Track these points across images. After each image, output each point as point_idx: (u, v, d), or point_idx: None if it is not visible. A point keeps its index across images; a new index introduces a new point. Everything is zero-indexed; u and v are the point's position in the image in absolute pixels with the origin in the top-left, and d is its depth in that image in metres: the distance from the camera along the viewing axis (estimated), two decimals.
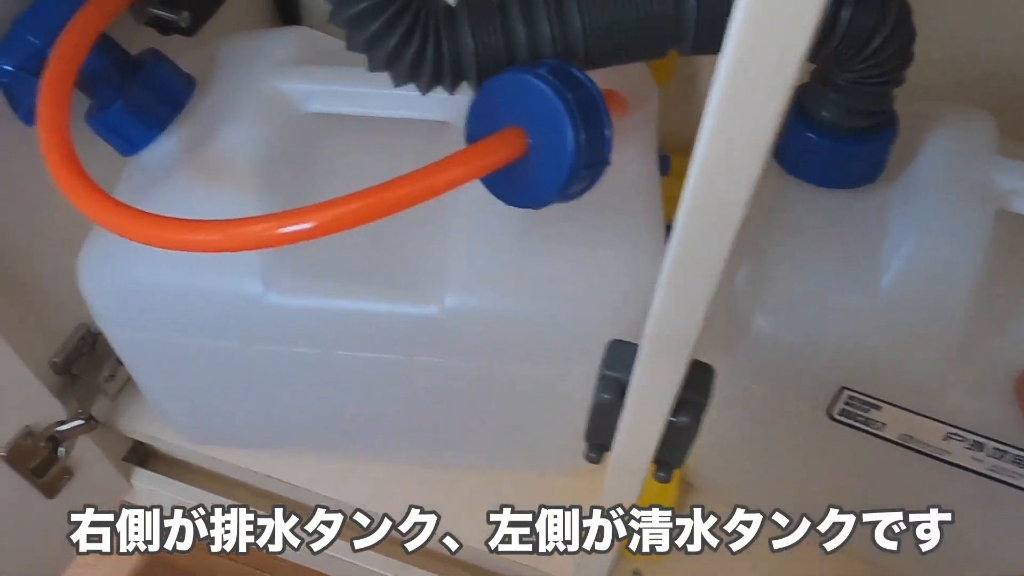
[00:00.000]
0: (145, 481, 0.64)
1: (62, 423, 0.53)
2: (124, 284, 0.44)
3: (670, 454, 0.32)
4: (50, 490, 0.55)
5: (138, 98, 0.45)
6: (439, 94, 0.39)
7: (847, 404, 0.43)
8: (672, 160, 0.50)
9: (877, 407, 0.42)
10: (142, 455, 0.68)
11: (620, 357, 0.30)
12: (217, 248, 0.35)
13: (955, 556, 0.48)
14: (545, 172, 0.35)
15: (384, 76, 0.38)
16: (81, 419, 0.54)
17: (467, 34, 0.36)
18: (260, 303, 0.43)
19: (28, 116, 0.44)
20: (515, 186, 0.36)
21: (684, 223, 0.22)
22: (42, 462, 0.53)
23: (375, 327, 0.44)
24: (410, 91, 0.39)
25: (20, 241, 0.51)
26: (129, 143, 0.46)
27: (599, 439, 0.33)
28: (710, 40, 0.37)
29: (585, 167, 0.34)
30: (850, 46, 0.38)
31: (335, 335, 0.45)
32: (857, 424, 0.43)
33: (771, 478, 0.52)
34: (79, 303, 0.57)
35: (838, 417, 0.44)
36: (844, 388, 0.42)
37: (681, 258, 0.23)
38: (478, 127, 0.36)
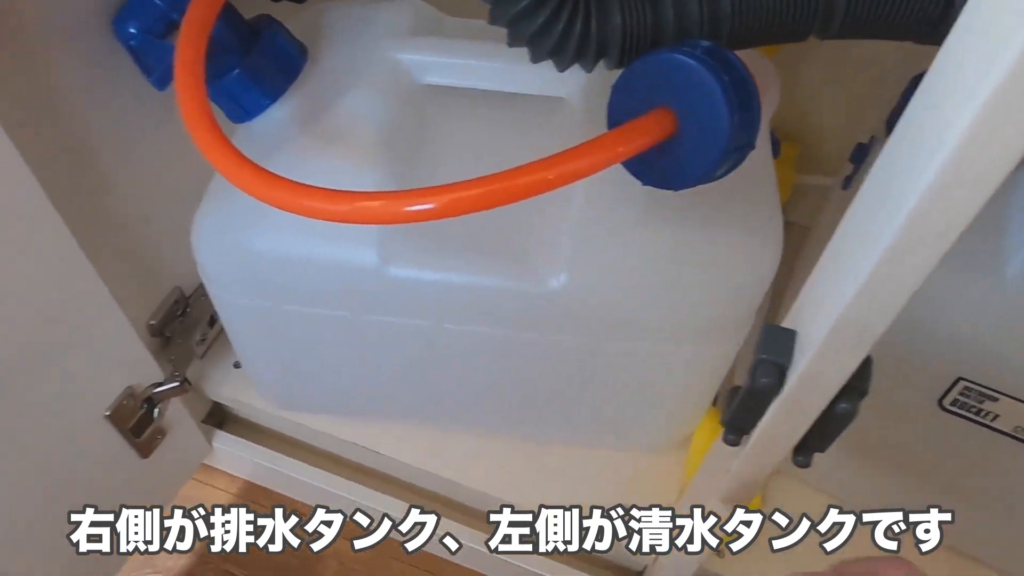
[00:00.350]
0: (225, 443, 0.65)
1: (159, 385, 0.54)
2: (242, 251, 0.44)
3: (818, 439, 0.32)
4: (145, 450, 0.56)
5: (255, 66, 0.45)
6: (554, 71, 0.38)
7: (962, 395, 0.43)
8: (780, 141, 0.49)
9: (994, 398, 0.42)
10: (218, 418, 0.69)
11: (778, 343, 0.30)
12: (340, 218, 0.35)
13: None
14: (694, 154, 0.34)
15: (501, 50, 0.38)
16: (177, 381, 0.55)
17: (616, 11, 0.36)
18: (375, 274, 0.44)
19: (160, 81, 0.44)
20: (657, 167, 0.36)
21: (907, 226, 0.22)
22: (139, 422, 0.54)
23: (486, 302, 0.44)
24: (528, 66, 0.38)
25: (131, 207, 0.52)
26: (244, 110, 0.46)
27: (743, 424, 0.33)
28: (858, 25, 0.37)
29: (735, 151, 0.34)
30: None
31: (445, 308, 0.45)
32: (970, 415, 0.43)
33: (870, 468, 0.52)
34: (174, 266, 0.58)
35: (950, 407, 0.44)
36: (961, 378, 0.42)
37: (892, 259, 0.23)
38: (623, 106, 0.36)
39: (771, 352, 0.30)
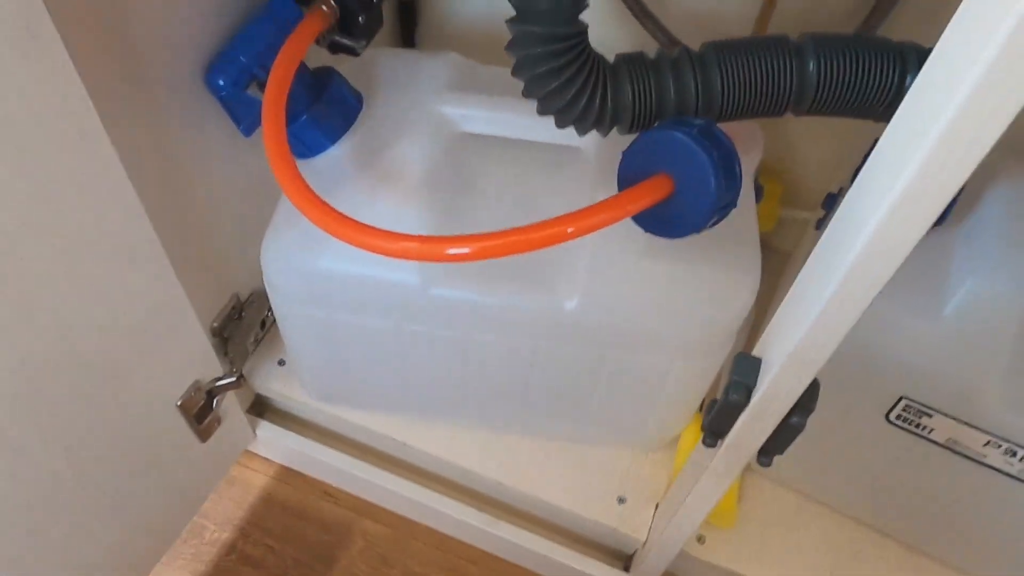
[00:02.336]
0: (266, 431, 0.73)
1: (219, 379, 0.62)
2: (305, 270, 0.53)
3: (776, 445, 0.41)
4: (204, 435, 0.64)
5: (320, 113, 0.53)
6: None
7: (904, 411, 0.51)
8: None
9: (929, 415, 0.50)
10: (259, 409, 0.77)
11: (746, 367, 0.39)
12: (392, 255, 0.42)
13: (985, 550, 0.57)
14: (688, 211, 0.43)
15: (528, 105, 0.46)
16: (234, 376, 0.63)
17: (627, 89, 0.44)
18: (417, 293, 0.52)
19: (247, 130, 0.52)
20: (657, 219, 0.44)
21: (843, 282, 0.30)
22: (201, 411, 0.62)
23: (510, 318, 0.53)
24: (550, 121, 0.46)
25: (206, 227, 0.60)
26: (307, 148, 0.54)
27: (719, 429, 0.42)
28: (825, 106, 0.45)
29: (720, 210, 0.43)
30: None
31: (475, 322, 0.54)
32: (910, 428, 0.52)
33: (829, 469, 0.61)
34: (233, 276, 0.66)
35: (894, 421, 0.52)
36: (903, 396, 0.51)
37: (834, 308, 0.31)
38: (631, 169, 0.44)
39: (741, 375, 0.39)
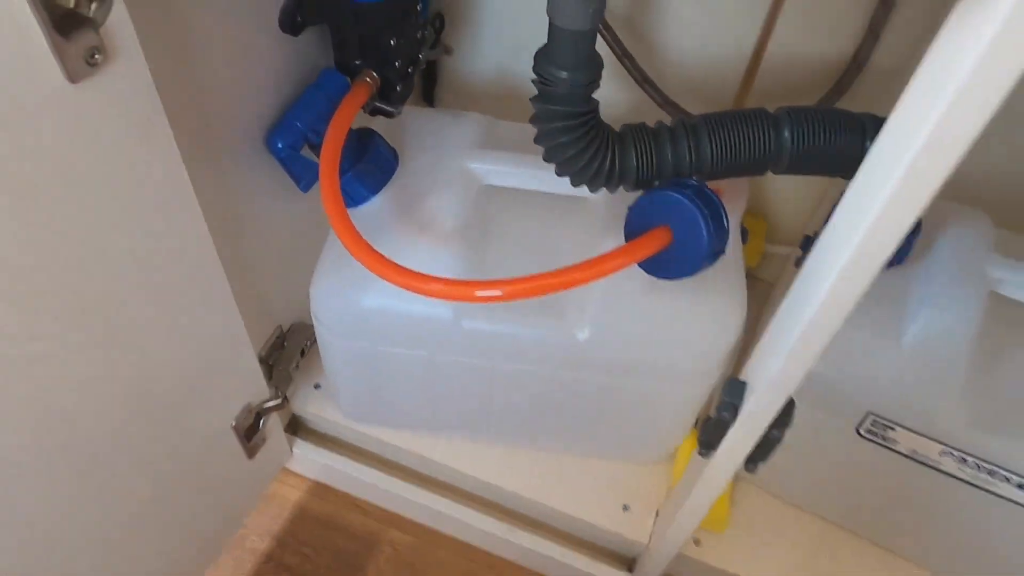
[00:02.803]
0: (302, 449, 0.81)
1: (266, 401, 0.70)
2: (350, 306, 0.60)
3: (759, 454, 0.48)
4: (252, 453, 0.71)
5: (363, 170, 0.61)
6: None
7: (872, 425, 0.59)
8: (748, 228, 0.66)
9: (893, 429, 0.58)
10: (294, 428, 0.84)
11: (735, 389, 0.47)
12: (431, 295, 0.51)
13: (944, 546, 0.64)
14: (683, 258, 0.51)
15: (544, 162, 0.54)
16: (279, 399, 0.70)
17: (632, 155, 0.52)
18: (449, 326, 0.60)
19: (306, 184, 0.60)
20: (659, 265, 0.53)
21: (811, 323, 0.38)
22: (249, 430, 0.70)
23: (530, 348, 0.61)
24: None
25: (258, 266, 0.68)
26: (352, 200, 0.62)
27: (711, 442, 0.49)
28: (801, 166, 0.53)
29: (711, 256, 0.51)
30: None
31: (500, 351, 0.62)
32: (877, 440, 0.60)
33: (809, 478, 0.69)
34: (278, 309, 0.74)
35: (863, 434, 0.60)
36: (870, 413, 0.59)
37: (801, 345, 0.39)
38: (637, 221, 0.52)
39: (730, 396, 0.47)
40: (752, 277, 0.61)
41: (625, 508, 0.73)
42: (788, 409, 0.45)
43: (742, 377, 0.48)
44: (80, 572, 0.53)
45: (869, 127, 0.52)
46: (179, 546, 0.65)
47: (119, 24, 0.39)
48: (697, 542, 0.71)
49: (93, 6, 0.37)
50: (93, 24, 0.37)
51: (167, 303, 0.51)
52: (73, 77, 0.37)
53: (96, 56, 0.38)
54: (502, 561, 0.80)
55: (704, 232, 0.50)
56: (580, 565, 0.74)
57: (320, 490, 0.84)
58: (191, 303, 0.54)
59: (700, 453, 0.51)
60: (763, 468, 0.67)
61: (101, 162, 0.41)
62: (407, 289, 0.51)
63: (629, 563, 0.76)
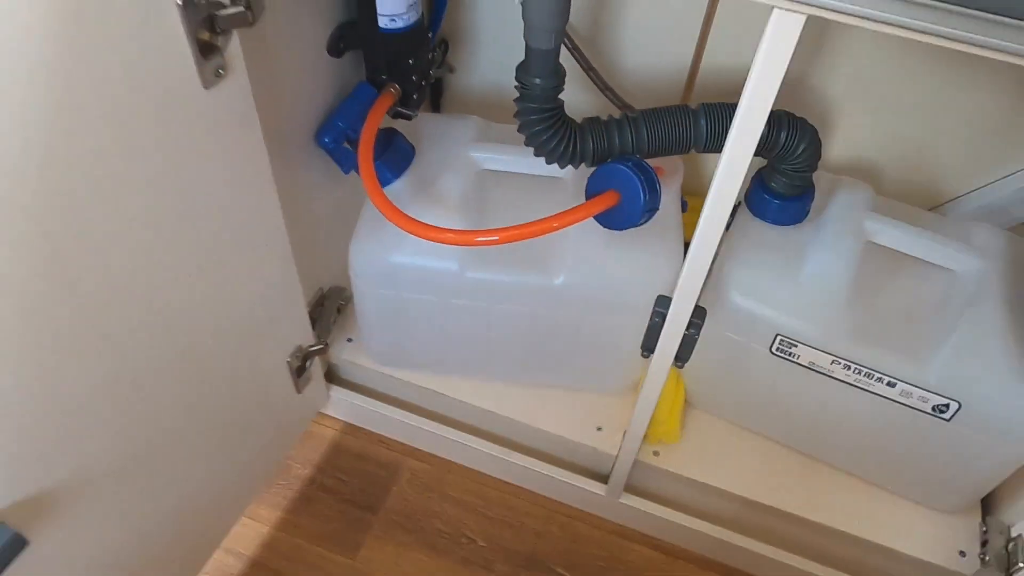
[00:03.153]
0: (337, 394, 0.99)
1: (313, 345, 0.88)
2: (382, 261, 0.79)
3: (683, 352, 0.67)
4: (300, 388, 0.89)
5: (389, 159, 0.80)
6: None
7: (780, 344, 0.77)
8: (688, 201, 0.85)
9: (796, 346, 0.77)
10: (331, 378, 1.03)
11: (662, 302, 0.65)
12: (445, 242, 0.70)
13: (844, 445, 0.82)
14: (628, 213, 0.70)
15: (528, 151, 0.73)
16: (323, 344, 0.89)
17: (589, 140, 0.71)
18: (456, 275, 0.79)
19: (347, 168, 0.79)
20: (610, 219, 0.71)
21: (697, 242, 0.57)
22: (299, 368, 0.88)
23: (520, 291, 0.79)
24: (542, 161, 0.74)
25: (308, 237, 0.87)
26: (381, 182, 0.81)
27: (650, 345, 0.68)
28: (711, 147, 0.72)
29: (648, 212, 0.70)
30: (787, 153, 0.73)
31: (496, 295, 0.80)
32: (785, 356, 0.78)
33: (739, 398, 0.87)
34: (320, 273, 0.93)
35: (775, 352, 0.78)
36: (778, 334, 0.77)
37: (694, 257, 0.58)
38: (594, 187, 0.71)
39: (660, 307, 0.65)
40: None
41: (599, 429, 0.91)
42: (699, 312, 0.64)
43: (668, 294, 0.66)
44: (174, 472, 0.71)
45: (783, 120, 0.72)
46: (244, 455, 0.83)
47: (235, 51, 0.58)
48: (656, 453, 0.89)
49: (221, 39, 0.56)
50: (220, 51, 0.57)
51: (250, 255, 0.70)
52: (206, 85, 0.57)
53: (220, 71, 0.57)
54: (500, 482, 0.98)
55: (641, 193, 0.69)
56: (565, 479, 0.92)
57: (351, 429, 1.03)
58: (265, 256, 0.73)
59: (643, 355, 0.69)
60: (707, 394, 0.86)
61: (219, 143, 0.60)
62: (426, 238, 0.70)
63: (604, 478, 0.94)
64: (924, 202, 0.92)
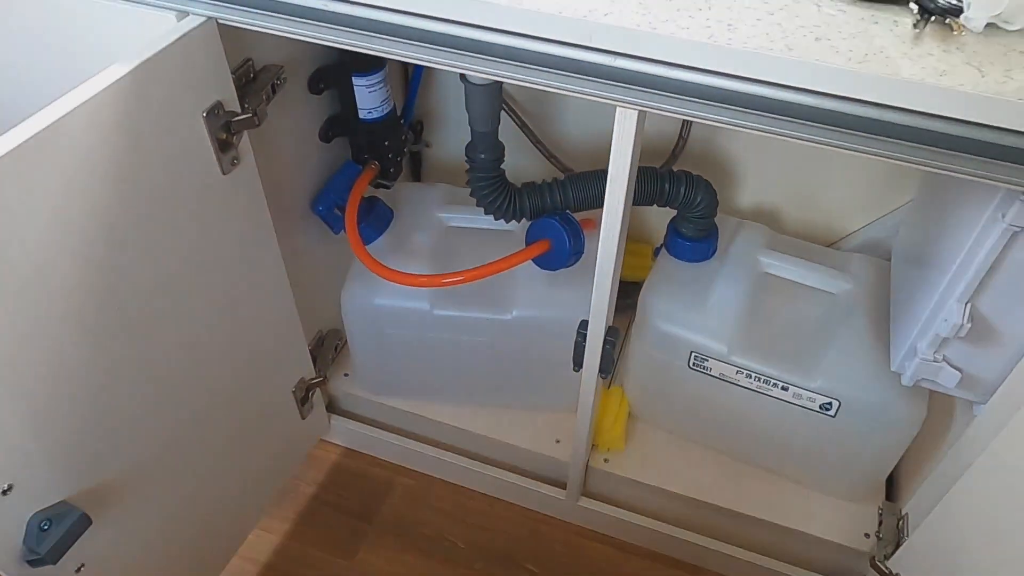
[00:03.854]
0: (337, 422, 1.15)
1: (314, 378, 1.05)
2: (368, 305, 0.97)
3: (605, 365, 0.84)
4: (303, 415, 1.06)
5: (371, 223, 0.99)
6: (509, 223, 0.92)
7: (695, 360, 0.94)
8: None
9: (707, 360, 0.93)
10: (331, 408, 1.19)
11: (583, 325, 0.82)
12: (417, 285, 0.88)
13: (756, 445, 0.98)
14: (558, 257, 0.88)
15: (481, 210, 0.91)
16: (322, 377, 1.06)
17: (526, 200, 0.90)
18: (427, 313, 0.96)
19: (338, 230, 0.98)
20: (545, 262, 0.89)
21: (599, 271, 0.74)
22: (303, 398, 1.05)
23: (479, 325, 0.97)
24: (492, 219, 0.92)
25: (307, 285, 1.05)
26: (365, 240, 0.99)
27: (578, 360, 0.85)
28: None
29: (574, 255, 0.87)
30: (688, 203, 0.91)
31: (458, 328, 0.97)
32: (700, 370, 0.94)
33: (669, 404, 1.03)
34: (318, 318, 1.11)
35: (692, 367, 0.95)
36: (692, 351, 0.94)
37: (598, 284, 0.75)
38: (531, 237, 0.89)
39: (582, 329, 0.82)
40: (639, 283, 0.97)
41: (557, 441, 1.07)
42: (612, 331, 0.81)
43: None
44: (201, 477, 0.88)
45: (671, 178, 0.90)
46: (253, 473, 1.00)
47: (245, 145, 0.77)
48: (606, 460, 1.05)
49: (235, 137, 0.76)
50: (235, 146, 0.76)
51: (259, 303, 0.88)
52: (224, 172, 0.76)
53: (235, 161, 0.76)
54: (477, 493, 1.13)
55: (567, 240, 0.87)
56: (530, 487, 1.08)
57: (350, 452, 1.19)
58: (272, 304, 0.91)
59: (574, 369, 0.86)
60: (646, 406, 1.01)
61: (233, 217, 0.79)
62: (401, 283, 0.88)
63: (564, 484, 1.09)
64: (824, 238, 1.09)
